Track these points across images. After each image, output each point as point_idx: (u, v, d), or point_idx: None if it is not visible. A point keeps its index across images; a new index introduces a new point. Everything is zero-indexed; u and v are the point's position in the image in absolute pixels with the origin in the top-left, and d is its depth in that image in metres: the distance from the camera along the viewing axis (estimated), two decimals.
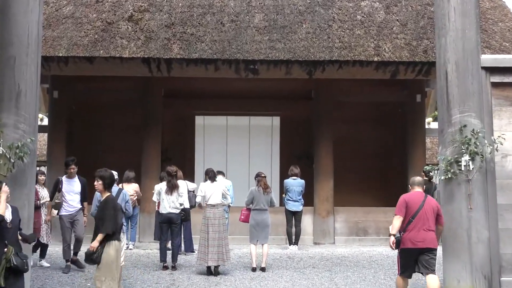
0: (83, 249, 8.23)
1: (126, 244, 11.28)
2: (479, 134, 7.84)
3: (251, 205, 11.02)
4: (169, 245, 11.30)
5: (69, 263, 10.44)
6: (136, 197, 12.90)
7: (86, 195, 10.67)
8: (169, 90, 15.39)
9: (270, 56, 12.77)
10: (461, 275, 7.81)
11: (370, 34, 13.29)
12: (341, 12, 13.80)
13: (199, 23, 13.35)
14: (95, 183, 7.52)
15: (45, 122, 18.21)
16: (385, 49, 12.92)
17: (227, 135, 16.60)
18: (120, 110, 16.31)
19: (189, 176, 14.72)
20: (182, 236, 11.90)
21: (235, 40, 13.01)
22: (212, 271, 10.33)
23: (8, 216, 6.70)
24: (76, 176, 10.64)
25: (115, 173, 9.95)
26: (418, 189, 8.09)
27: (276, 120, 16.78)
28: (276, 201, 11.70)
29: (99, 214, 7.40)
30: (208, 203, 10.63)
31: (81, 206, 10.56)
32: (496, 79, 8.28)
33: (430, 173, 13.37)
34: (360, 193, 16.11)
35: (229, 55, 12.76)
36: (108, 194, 7.53)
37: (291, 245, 13.19)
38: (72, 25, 13.15)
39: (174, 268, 10.69)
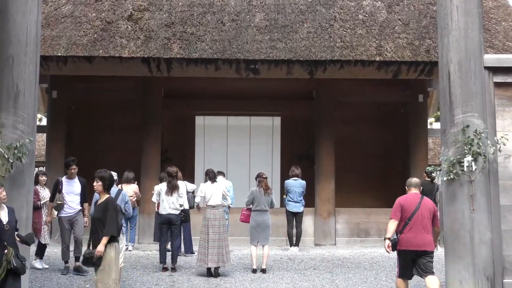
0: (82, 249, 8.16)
1: (126, 245, 11.21)
2: (482, 134, 7.75)
3: (251, 206, 10.96)
4: (168, 246, 11.22)
5: (68, 264, 10.38)
6: (135, 198, 12.83)
7: (86, 196, 10.59)
8: (169, 90, 15.33)
9: (271, 56, 12.71)
10: (464, 276, 7.72)
11: (372, 33, 13.22)
12: (342, 11, 13.74)
13: (199, 23, 13.28)
14: (95, 183, 7.47)
15: (44, 122, 18.16)
16: (387, 48, 12.85)
17: (228, 135, 16.55)
18: (119, 110, 16.27)
19: (189, 176, 14.68)
20: (182, 237, 11.83)
21: (235, 39, 12.95)
22: (212, 273, 10.28)
23: (5, 218, 6.64)
24: (76, 177, 10.55)
25: (114, 173, 9.89)
26: (414, 191, 8.16)
27: (277, 120, 16.75)
28: (276, 202, 11.64)
29: (99, 215, 7.31)
30: (208, 204, 10.58)
31: (81, 208, 10.48)
32: (499, 79, 8.18)
33: (432, 173, 13.27)
34: (361, 194, 16.06)
35: (230, 55, 12.69)
36: (108, 195, 7.49)
37: (292, 247, 13.14)
38: (71, 24, 13.09)
39: (173, 269, 10.64)
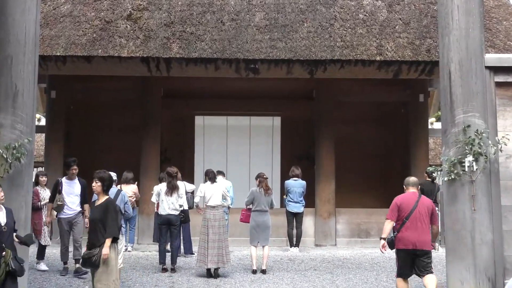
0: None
1: (125, 246, 11.16)
2: (483, 134, 7.74)
3: (250, 206, 10.92)
4: (168, 247, 11.17)
5: (67, 265, 10.34)
6: (134, 199, 12.77)
7: (87, 197, 10.53)
8: (168, 90, 15.29)
9: (271, 55, 12.66)
10: (465, 277, 7.71)
11: (372, 33, 13.17)
12: (343, 10, 13.69)
13: (199, 22, 13.23)
14: (94, 184, 7.42)
15: (43, 122, 18.10)
16: (387, 48, 12.81)
17: (227, 135, 16.51)
18: (118, 110, 16.23)
19: (189, 177, 14.65)
20: (182, 238, 11.79)
21: (235, 39, 12.90)
22: (212, 273, 10.25)
23: (3, 219, 6.59)
24: (77, 178, 10.48)
25: (113, 174, 9.85)
26: (412, 190, 8.22)
27: (277, 120, 16.71)
28: (276, 203, 11.61)
29: (99, 216, 7.25)
30: (208, 204, 10.54)
31: (80, 209, 10.41)
32: (500, 78, 8.18)
33: (433, 174, 13.19)
34: (361, 194, 16.02)
35: (229, 54, 12.64)
36: (107, 196, 7.45)
37: (292, 247, 13.11)
38: (70, 23, 13.04)
39: (173, 270, 10.60)
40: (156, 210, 11.54)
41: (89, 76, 13.67)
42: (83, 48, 12.55)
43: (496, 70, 8.13)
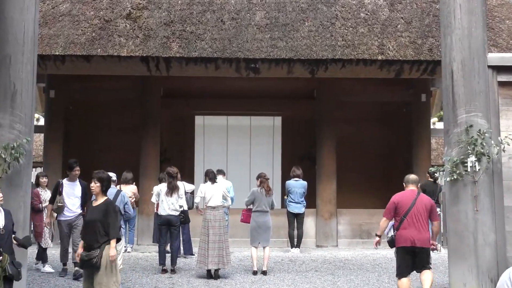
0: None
1: (124, 246, 11.11)
2: (486, 134, 7.69)
3: (251, 206, 10.85)
4: (168, 248, 11.10)
5: (66, 266, 10.26)
6: (134, 199, 12.70)
7: (87, 199, 10.44)
8: (168, 90, 15.24)
9: (271, 55, 12.59)
10: (467, 278, 7.66)
11: (374, 32, 13.10)
12: (344, 9, 13.61)
13: (199, 21, 13.16)
14: (92, 184, 7.34)
15: (41, 122, 18.06)
16: (389, 47, 12.74)
17: (228, 135, 16.45)
18: (118, 110, 16.18)
19: (189, 177, 14.59)
20: (181, 238, 11.72)
21: (235, 38, 12.83)
22: (212, 275, 10.19)
23: (1, 221, 6.51)
24: (78, 180, 10.37)
25: (113, 174, 9.80)
26: (412, 187, 8.25)
27: (278, 120, 16.64)
28: (277, 203, 11.55)
29: (98, 217, 7.16)
30: (208, 205, 10.48)
31: (81, 211, 10.32)
32: (503, 78, 8.12)
33: (435, 174, 13.20)
34: (363, 195, 15.96)
35: (230, 54, 12.57)
36: (106, 197, 7.38)
37: (293, 248, 13.06)
38: (69, 23, 12.97)
39: (173, 271, 10.54)
40: (155, 211, 11.49)
41: (88, 75, 13.62)
42: (82, 48, 12.48)
43: (499, 69, 8.08)
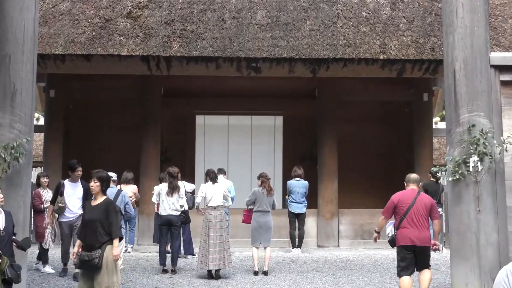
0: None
1: (125, 247, 11.07)
2: (488, 134, 7.66)
3: (251, 206, 10.80)
4: (168, 248, 11.06)
5: (66, 266, 10.22)
6: (134, 199, 12.66)
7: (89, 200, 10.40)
8: (168, 89, 15.20)
9: (272, 54, 12.54)
10: (469, 278, 7.64)
11: (375, 31, 13.05)
12: (345, 8, 13.56)
13: (199, 20, 13.11)
14: (92, 183, 7.26)
15: (41, 121, 18.02)
16: (391, 46, 12.69)
17: (229, 135, 16.40)
18: (118, 109, 16.14)
19: (189, 176, 14.55)
20: (182, 238, 11.68)
21: (236, 37, 12.78)
22: (213, 275, 10.15)
23: (1, 223, 6.46)
24: (79, 180, 10.31)
25: (114, 174, 9.75)
26: (412, 186, 8.26)
27: (279, 120, 16.60)
28: (278, 203, 11.51)
29: (98, 217, 7.10)
30: (209, 205, 10.43)
31: (82, 212, 10.25)
32: (506, 77, 8.10)
33: (438, 174, 13.18)
34: (365, 194, 15.91)
35: (231, 53, 12.53)
36: (105, 197, 7.31)
37: (294, 248, 13.02)
38: (69, 22, 12.92)
39: (174, 271, 10.50)
40: (156, 211, 11.44)
41: (89, 74, 13.58)
42: (82, 47, 12.44)
43: (502, 68, 8.05)
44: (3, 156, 7.35)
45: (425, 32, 13.05)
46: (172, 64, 12.77)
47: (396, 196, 8.18)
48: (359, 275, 10.58)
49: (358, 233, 14.41)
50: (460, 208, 7.78)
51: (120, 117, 16.23)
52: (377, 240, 8.51)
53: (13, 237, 6.70)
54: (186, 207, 10.89)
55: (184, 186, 11.11)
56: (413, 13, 13.53)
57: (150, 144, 14.54)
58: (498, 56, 8.31)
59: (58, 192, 10.07)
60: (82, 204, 10.09)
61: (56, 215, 10.22)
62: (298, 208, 12.93)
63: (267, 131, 16.49)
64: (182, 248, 11.93)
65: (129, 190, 12.18)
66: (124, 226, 11.24)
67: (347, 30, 13.06)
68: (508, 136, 7.81)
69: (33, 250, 10.33)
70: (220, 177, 11.89)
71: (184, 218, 10.82)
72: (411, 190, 8.20)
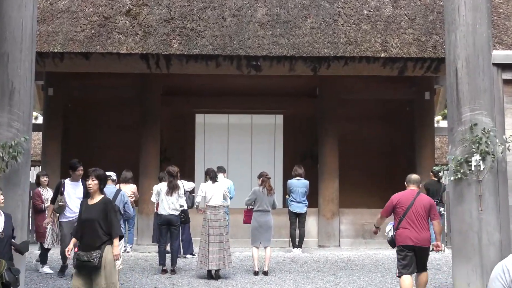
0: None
1: (124, 247, 11.01)
2: (490, 133, 7.59)
3: (251, 206, 10.73)
4: (168, 248, 10.99)
5: (66, 264, 10.13)
6: (133, 199, 12.60)
7: None
8: (168, 87, 15.15)
9: (273, 52, 12.47)
10: (471, 278, 7.59)
11: (377, 29, 12.98)
12: (347, 6, 13.49)
13: (199, 18, 13.04)
14: (90, 182, 7.11)
15: (40, 120, 17.97)
16: (392, 44, 12.62)
17: (228, 133, 16.35)
18: (117, 108, 16.11)
19: (189, 176, 14.51)
20: (181, 238, 11.61)
21: (236, 35, 12.71)
22: (212, 275, 10.09)
23: (0, 225, 6.38)
24: (80, 180, 10.23)
25: (113, 174, 9.68)
26: (412, 187, 8.24)
27: (279, 118, 16.55)
28: (278, 203, 11.44)
29: (96, 216, 7.00)
30: (209, 204, 10.37)
31: None
32: (508, 75, 8.03)
33: (439, 173, 13.11)
34: (366, 194, 15.88)
35: (231, 51, 12.46)
36: (103, 195, 7.21)
37: (295, 248, 12.97)
38: (67, 19, 12.86)
39: (173, 271, 10.44)
40: (155, 210, 11.38)
41: (87, 73, 13.51)
42: (81, 45, 12.37)
43: (504, 67, 7.98)
44: (1, 155, 7.28)
45: (427, 30, 12.98)
46: (172, 62, 12.70)
47: (396, 197, 8.18)
48: (360, 275, 10.52)
49: (359, 232, 14.34)
50: (462, 207, 7.73)
51: (119, 116, 16.19)
52: (377, 233, 8.78)
53: (12, 240, 6.64)
54: (185, 207, 10.82)
55: (183, 185, 11.02)
56: (414, 11, 13.45)
57: (149, 143, 14.48)
58: (501, 54, 8.22)
59: (59, 191, 10.00)
60: None
61: (57, 214, 10.16)
62: (299, 207, 12.87)
63: (267, 130, 16.44)
64: (181, 248, 11.86)
65: (128, 190, 12.12)
66: (123, 226, 11.16)
67: (348, 28, 12.98)
68: (511, 135, 7.76)
69: (32, 250, 10.29)
70: (220, 176, 11.80)
71: (183, 218, 10.75)
72: (410, 191, 8.19)
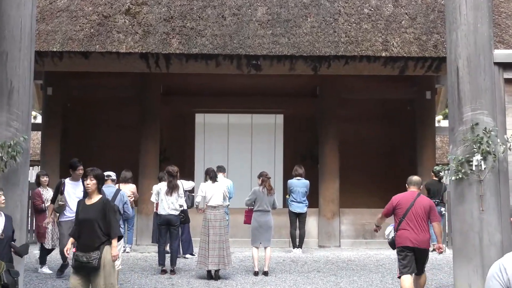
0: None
1: (123, 247, 10.96)
2: (492, 132, 7.54)
3: (252, 206, 10.69)
4: (167, 248, 10.95)
5: (66, 263, 10.08)
6: (133, 198, 12.54)
7: None
8: (168, 86, 15.13)
9: (273, 51, 12.43)
10: (472, 279, 7.54)
11: (377, 28, 12.94)
12: (347, 5, 13.45)
13: (199, 17, 13.00)
14: (88, 181, 7.03)
15: (39, 120, 17.94)
16: (393, 44, 12.57)
17: (228, 133, 16.32)
18: (116, 107, 16.09)
19: (189, 175, 14.46)
20: (180, 238, 11.57)
21: (236, 34, 12.68)
22: (212, 275, 10.06)
23: (1, 226, 6.33)
24: (80, 180, 10.17)
25: (113, 173, 9.64)
26: (413, 189, 8.27)
27: (279, 118, 16.52)
28: (279, 203, 11.41)
29: (94, 216, 6.94)
30: (208, 204, 10.34)
31: None
32: (510, 75, 8.00)
33: (440, 173, 13.06)
34: (366, 194, 15.85)
35: (231, 50, 12.42)
36: (101, 195, 7.16)
37: (295, 248, 12.94)
38: (67, 18, 12.83)
39: (173, 272, 10.42)
40: (155, 210, 11.34)
41: (87, 72, 13.47)
42: (80, 44, 12.33)
43: (505, 66, 7.94)
44: (0, 154, 7.24)
45: (428, 29, 12.93)
46: (171, 62, 12.66)
47: (396, 198, 8.19)
48: (360, 275, 10.49)
49: (359, 233, 14.30)
50: (463, 207, 7.68)
51: (119, 115, 16.16)
52: (377, 232, 8.88)
53: (12, 242, 6.59)
54: (185, 207, 10.78)
55: (183, 185, 10.97)
56: (415, 10, 13.41)
57: (149, 142, 14.44)
58: (502, 54, 8.19)
59: (59, 191, 9.96)
60: None
61: (57, 214, 10.12)
62: (299, 207, 12.84)
63: (267, 129, 16.41)
64: (181, 248, 11.82)
65: (128, 190, 12.06)
66: (122, 226, 11.12)
67: (349, 27, 12.94)
68: None
69: (32, 251, 10.22)
70: (220, 176, 11.75)
71: (183, 218, 10.72)
72: (411, 192, 8.20)
